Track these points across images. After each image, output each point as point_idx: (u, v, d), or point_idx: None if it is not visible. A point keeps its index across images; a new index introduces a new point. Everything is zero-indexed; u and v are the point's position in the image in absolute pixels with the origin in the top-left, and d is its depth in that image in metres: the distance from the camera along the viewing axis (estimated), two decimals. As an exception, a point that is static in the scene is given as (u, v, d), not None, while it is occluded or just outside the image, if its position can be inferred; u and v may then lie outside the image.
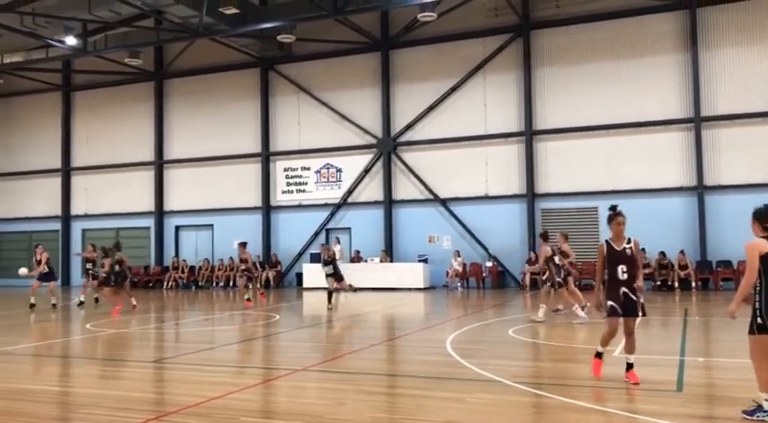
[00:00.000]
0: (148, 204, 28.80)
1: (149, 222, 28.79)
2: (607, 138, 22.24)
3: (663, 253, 20.73)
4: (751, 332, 5.62)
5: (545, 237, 13.10)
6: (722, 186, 20.88)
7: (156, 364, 9.04)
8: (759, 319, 5.49)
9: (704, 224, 20.82)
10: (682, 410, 5.99)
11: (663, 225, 21.13)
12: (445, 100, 24.33)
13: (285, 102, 26.82)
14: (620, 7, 22.10)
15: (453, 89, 24.18)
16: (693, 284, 20.21)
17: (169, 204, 28.66)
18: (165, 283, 26.61)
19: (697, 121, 21.07)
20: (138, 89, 29.18)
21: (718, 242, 20.68)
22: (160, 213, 28.62)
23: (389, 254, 24.30)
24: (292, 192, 26.62)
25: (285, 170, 26.78)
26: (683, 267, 20.43)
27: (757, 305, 5.53)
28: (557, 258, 12.87)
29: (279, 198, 26.85)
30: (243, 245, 17.81)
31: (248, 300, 17.44)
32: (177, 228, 28.68)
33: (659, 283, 20.54)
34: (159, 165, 28.67)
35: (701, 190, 20.94)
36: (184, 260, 27.34)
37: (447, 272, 23.18)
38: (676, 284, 20.27)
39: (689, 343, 10.01)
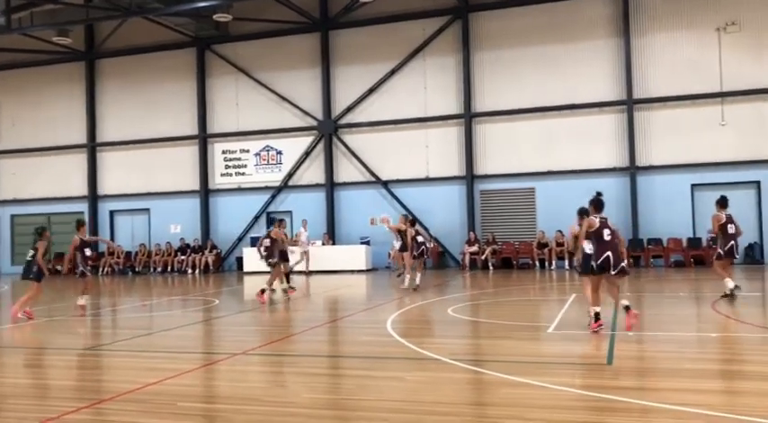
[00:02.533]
0: (81, 188, 27.90)
1: (83, 207, 27.89)
2: (544, 120, 22.68)
3: (597, 232, 21.32)
4: (585, 273, 9.38)
5: (412, 222, 16.41)
6: (653, 167, 21.60)
7: (90, 352, 8.82)
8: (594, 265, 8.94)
9: (636, 204, 21.54)
10: (612, 383, 6.23)
11: (597, 205, 21.65)
12: (386, 82, 24.31)
13: (222, 82, 26.30)
14: (556, -9, 22.45)
15: (393, 71, 24.18)
16: (626, 262, 20.85)
17: (103, 188, 27.83)
18: (101, 269, 25.91)
19: (629, 104, 21.69)
20: (68, 69, 28.09)
21: (649, 221, 21.44)
22: (94, 198, 27.76)
23: (331, 236, 24.27)
24: (231, 175, 26.22)
25: (223, 153, 26.33)
26: (616, 245, 21.07)
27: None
28: (419, 237, 15.88)
29: (217, 181, 26.41)
30: None
31: None
32: (112, 212, 27.91)
33: (593, 261, 21.15)
34: (92, 147, 27.76)
35: (633, 170, 21.62)
36: (119, 245, 26.65)
37: (389, 253, 23.30)
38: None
39: (620, 318, 10.36)
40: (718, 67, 20.98)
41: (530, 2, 22.78)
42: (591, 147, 22.16)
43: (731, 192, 20.85)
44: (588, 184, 21.88)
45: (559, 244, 21.54)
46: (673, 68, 21.46)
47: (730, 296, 11.88)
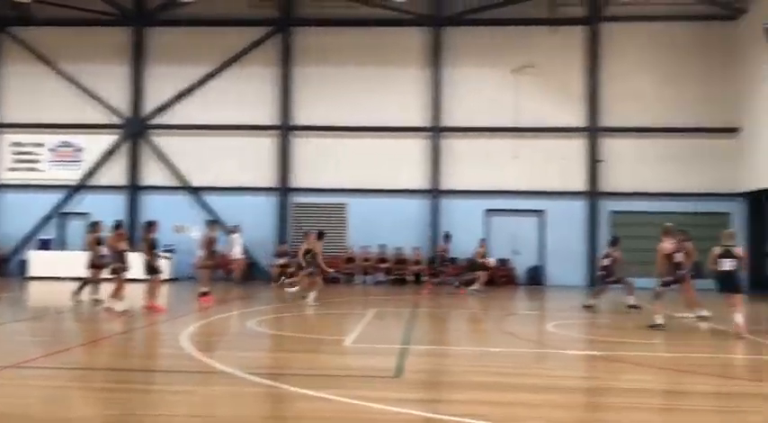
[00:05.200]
0: None
1: None
2: (358, 138, 23.31)
3: (400, 249, 22.33)
4: None
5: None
6: (454, 191, 23.05)
7: None
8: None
9: (437, 225, 22.83)
10: (397, 395, 6.53)
11: (401, 223, 22.79)
12: (202, 86, 23.63)
13: (18, 68, 23.94)
14: (376, 16, 23.23)
15: (211, 76, 23.60)
16: (425, 279, 22.07)
17: None
18: None
19: (436, 131, 23.01)
20: None
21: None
22: None
23: (131, 243, 22.91)
24: (21, 170, 23.88)
25: (13, 145, 23.92)
26: (417, 263, 22.20)
27: None
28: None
29: (3, 176, 23.92)
30: None
31: None
32: None
33: (395, 277, 22.09)
34: None
35: (435, 193, 22.93)
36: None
37: (193, 264, 22.50)
38: (410, 279, 21.95)
39: (413, 332, 10.93)
40: (514, 104, 22.96)
41: (350, 23, 23.42)
42: (401, 168, 23.16)
43: (520, 219, 23.08)
44: (397, 203, 23.00)
45: (366, 259, 22.21)
46: (476, 101, 23.11)
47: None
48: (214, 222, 16.43)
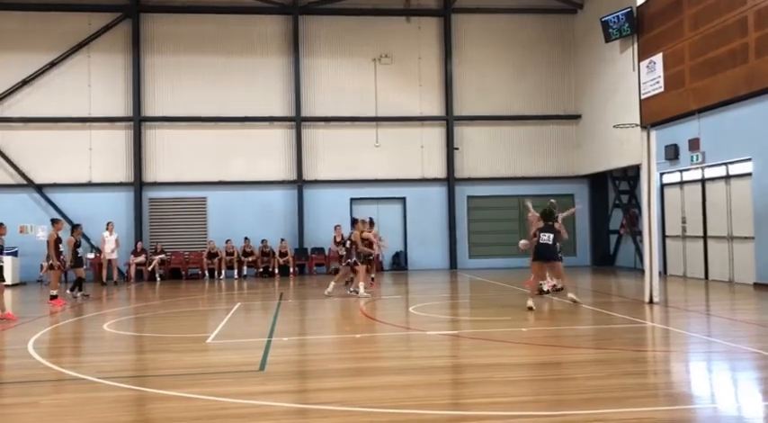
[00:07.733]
0: None
1: None
2: (216, 130, 22.70)
3: (265, 241, 22.04)
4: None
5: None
6: (318, 181, 23.05)
7: None
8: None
9: (302, 215, 22.75)
10: (263, 388, 6.47)
11: (266, 215, 22.52)
12: (44, 75, 22.00)
13: None
14: (231, 3, 22.72)
15: (53, 64, 22.01)
16: (291, 270, 21.95)
17: None
18: None
19: (298, 121, 22.87)
20: None
21: (314, 231, 22.81)
22: None
23: (-32, 246, 20.98)
24: None
25: None
26: (283, 254, 22.02)
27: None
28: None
29: None
30: None
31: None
32: None
33: (261, 270, 21.78)
34: None
35: (300, 183, 22.81)
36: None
37: (41, 265, 20.99)
38: (276, 271, 21.73)
39: (279, 325, 10.85)
40: (374, 94, 23.28)
41: (204, 10, 22.68)
42: (262, 159, 22.81)
43: (383, 206, 23.52)
44: (259, 195, 22.66)
45: (229, 253, 21.71)
46: (337, 90, 23.17)
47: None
48: (58, 220, 15.35)
